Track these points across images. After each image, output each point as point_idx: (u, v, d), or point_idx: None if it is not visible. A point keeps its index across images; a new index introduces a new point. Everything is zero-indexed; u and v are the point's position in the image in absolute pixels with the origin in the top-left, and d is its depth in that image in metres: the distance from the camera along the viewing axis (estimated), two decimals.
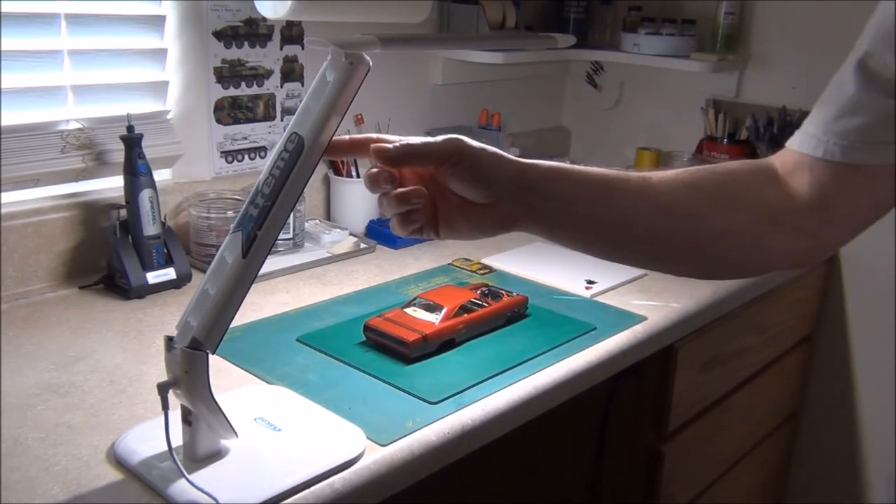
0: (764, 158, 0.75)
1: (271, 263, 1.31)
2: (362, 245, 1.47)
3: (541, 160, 0.71)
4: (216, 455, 0.79)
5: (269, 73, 1.46)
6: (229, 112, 1.43)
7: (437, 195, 0.71)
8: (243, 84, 1.43)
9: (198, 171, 1.41)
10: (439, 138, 0.69)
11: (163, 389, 0.74)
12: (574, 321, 1.18)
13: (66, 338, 1.06)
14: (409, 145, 0.68)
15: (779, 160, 0.73)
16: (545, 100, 2.13)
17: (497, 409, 0.95)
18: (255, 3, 1.29)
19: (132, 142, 1.19)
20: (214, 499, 0.72)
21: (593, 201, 0.71)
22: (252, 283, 0.72)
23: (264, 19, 1.42)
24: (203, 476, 0.76)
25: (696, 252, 0.73)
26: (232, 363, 1.01)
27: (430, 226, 0.71)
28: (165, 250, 1.23)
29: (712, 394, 1.46)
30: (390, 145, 0.68)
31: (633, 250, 0.74)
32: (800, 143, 0.70)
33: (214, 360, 0.77)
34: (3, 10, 1.12)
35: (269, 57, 1.46)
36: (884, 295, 1.69)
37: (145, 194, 1.20)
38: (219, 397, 0.75)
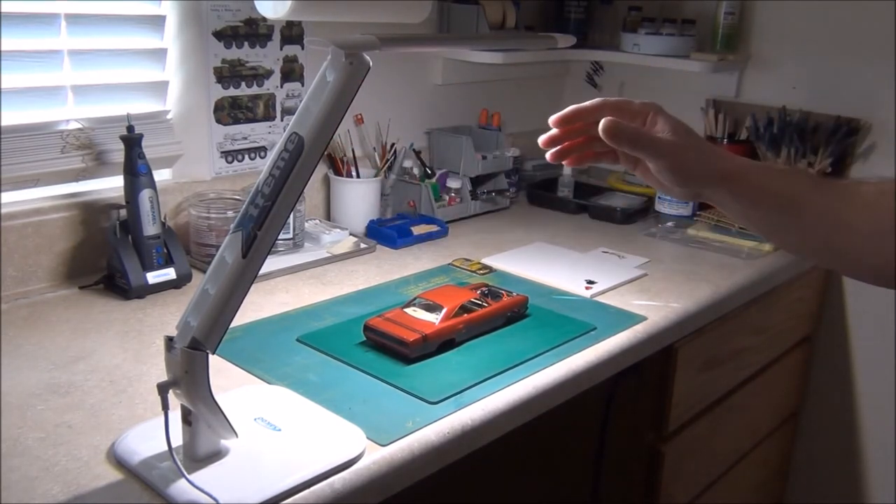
0: None
1: (271, 263, 1.31)
2: (362, 245, 1.47)
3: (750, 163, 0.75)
4: (216, 455, 0.79)
5: (269, 73, 1.46)
6: (229, 112, 1.43)
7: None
8: (243, 84, 1.43)
9: (198, 171, 1.41)
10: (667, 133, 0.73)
11: (163, 389, 0.74)
12: (574, 321, 1.18)
13: (66, 338, 1.06)
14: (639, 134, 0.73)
15: None
16: (545, 100, 2.13)
17: (497, 409, 0.95)
18: (255, 3, 1.29)
19: (132, 142, 1.19)
20: (214, 499, 0.72)
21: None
22: (252, 283, 0.73)
23: (264, 19, 1.42)
24: (203, 476, 0.76)
25: None
26: (232, 363, 1.01)
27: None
28: (165, 250, 1.23)
29: (712, 394, 1.46)
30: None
31: None
32: None
33: (214, 360, 0.77)
34: (3, 10, 1.12)
35: (269, 57, 1.46)
36: (884, 295, 1.69)
37: (145, 194, 1.20)
38: (219, 397, 0.75)
